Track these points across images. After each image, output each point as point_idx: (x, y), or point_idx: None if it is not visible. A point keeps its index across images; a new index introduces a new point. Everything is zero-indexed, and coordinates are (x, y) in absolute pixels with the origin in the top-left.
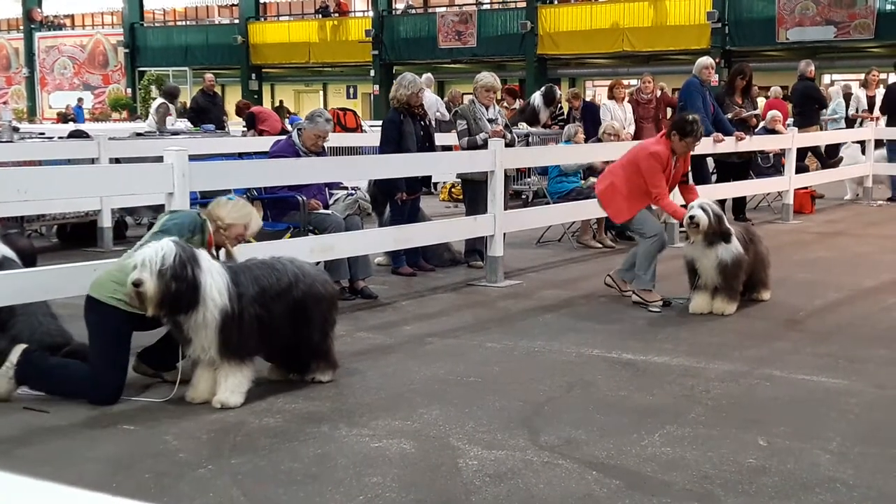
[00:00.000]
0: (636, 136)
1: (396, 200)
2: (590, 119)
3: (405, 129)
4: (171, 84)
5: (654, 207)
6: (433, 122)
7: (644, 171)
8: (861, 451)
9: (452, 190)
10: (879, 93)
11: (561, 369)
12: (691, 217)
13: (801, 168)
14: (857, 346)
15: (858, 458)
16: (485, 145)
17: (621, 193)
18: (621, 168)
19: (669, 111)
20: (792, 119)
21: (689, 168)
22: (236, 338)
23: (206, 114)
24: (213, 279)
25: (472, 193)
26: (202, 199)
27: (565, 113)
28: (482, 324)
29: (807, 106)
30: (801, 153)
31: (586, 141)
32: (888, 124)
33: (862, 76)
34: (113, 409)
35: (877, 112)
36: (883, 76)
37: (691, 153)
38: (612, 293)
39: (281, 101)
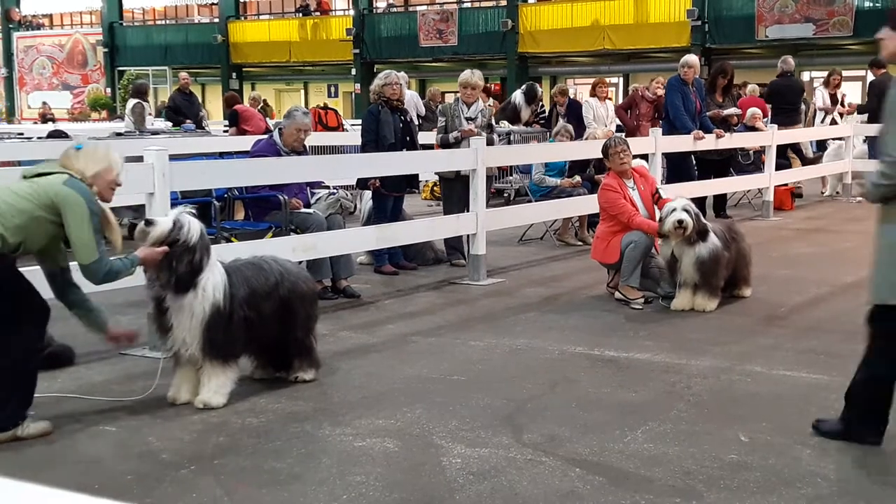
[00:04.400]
0: (632, 134)
1: (371, 189)
2: (574, 116)
3: (382, 118)
4: (139, 82)
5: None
6: (415, 120)
7: (606, 206)
8: (841, 446)
9: (434, 188)
10: (851, 90)
11: (544, 367)
12: (679, 221)
13: (782, 165)
14: (837, 342)
15: (839, 453)
16: (456, 143)
17: (606, 240)
18: (600, 222)
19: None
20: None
21: (657, 186)
22: (222, 338)
23: (183, 113)
24: (213, 275)
25: (447, 191)
26: (182, 199)
27: (548, 110)
28: (465, 322)
29: (787, 103)
30: (781, 150)
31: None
32: (870, 121)
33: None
34: (95, 410)
35: (841, 107)
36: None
37: (693, 150)
38: (594, 292)
39: (265, 101)
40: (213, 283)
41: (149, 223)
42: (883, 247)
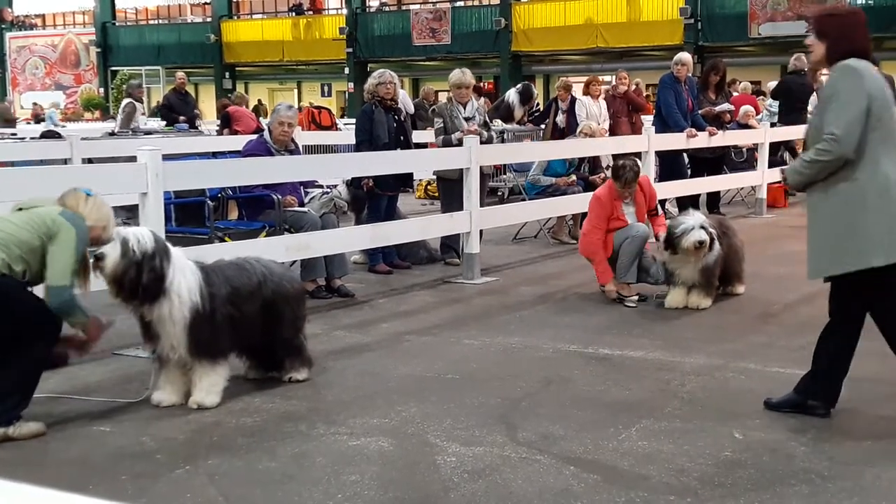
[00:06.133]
0: (612, 132)
1: (364, 190)
2: (574, 114)
3: (376, 118)
4: (132, 83)
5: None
6: (408, 119)
7: (591, 214)
8: (836, 443)
9: (428, 187)
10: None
11: (538, 365)
12: (700, 242)
13: (775, 162)
14: None
15: (833, 450)
16: (459, 144)
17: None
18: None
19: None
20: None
21: (657, 202)
22: (208, 337)
23: (178, 112)
24: (185, 277)
25: (447, 191)
26: (176, 198)
27: (551, 106)
28: (459, 321)
29: (797, 101)
30: (775, 148)
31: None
32: None
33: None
34: (89, 410)
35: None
36: None
37: (686, 148)
38: (588, 290)
39: (259, 101)
40: (186, 286)
41: (99, 258)
42: (814, 220)
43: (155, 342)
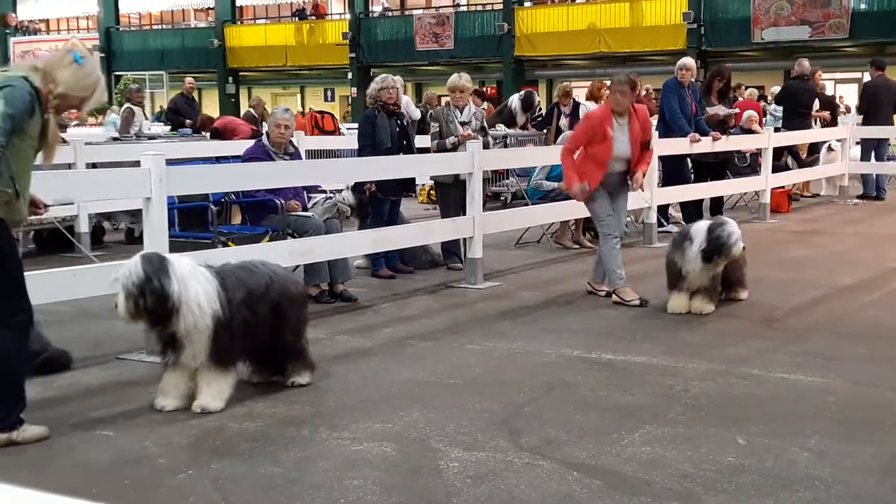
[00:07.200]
0: None
1: (367, 194)
2: (577, 118)
3: (379, 122)
4: (132, 87)
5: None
6: (412, 123)
7: (574, 135)
8: (839, 448)
9: (431, 192)
10: (847, 92)
11: (541, 370)
12: (743, 247)
13: (778, 168)
14: (834, 344)
15: (837, 456)
16: (454, 149)
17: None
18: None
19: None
20: (778, 120)
21: (650, 136)
22: (227, 344)
23: (184, 116)
24: (200, 285)
25: (442, 195)
26: (179, 203)
27: (553, 111)
28: (462, 325)
29: (800, 106)
30: (778, 153)
31: None
32: (864, 123)
33: (839, 75)
34: (92, 415)
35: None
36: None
37: (690, 153)
38: (593, 296)
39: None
40: (204, 294)
41: (116, 306)
42: None
43: (178, 352)
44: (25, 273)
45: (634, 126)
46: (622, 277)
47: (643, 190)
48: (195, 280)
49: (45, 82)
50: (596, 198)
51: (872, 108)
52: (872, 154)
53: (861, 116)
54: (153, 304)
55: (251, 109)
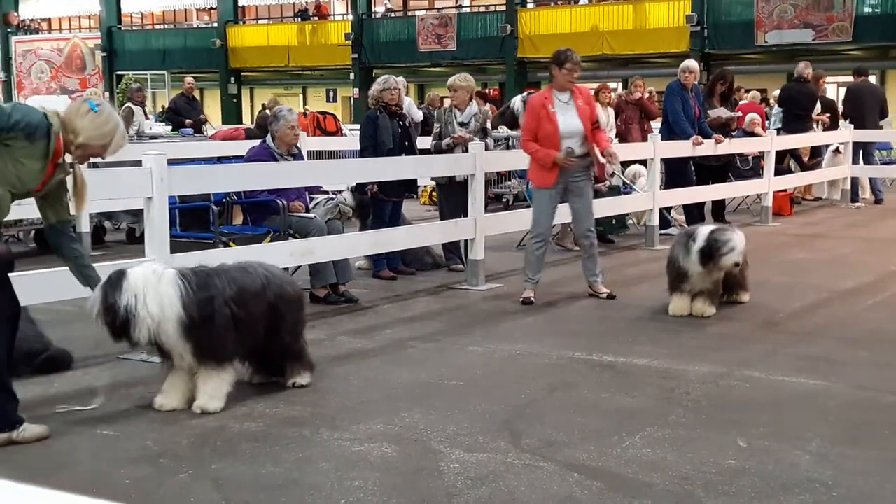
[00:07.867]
0: (623, 138)
1: (369, 195)
2: None
3: (381, 123)
4: (132, 86)
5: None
6: (414, 124)
7: (524, 128)
8: (840, 451)
9: (433, 193)
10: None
11: (542, 372)
12: (737, 263)
13: (781, 171)
14: (836, 348)
15: (838, 459)
16: (449, 150)
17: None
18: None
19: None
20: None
21: (598, 116)
22: (208, 341)
23: (184, 116)
24: (157, 292)
25: (442, 197)
26: (180, 203)
27: None
28: (463, 327)
29: (800, 109)
30: (780, 156)
31: None
32: (853, 126)
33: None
34: (92, 414)
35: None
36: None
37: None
38: (594, 298)
39: (263, 105)
40: (160, 300)
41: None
42: None
43: (168, 355)
44: (26, 273)
45: (578, 101)
46: (530, 280)
47: (617, 158)
48: (152, 288)
49: (66, 132)
50: (539, 197)
51: (857, 112)
52: (860, 158)
53: (847, 121)
54: (106, 320)
55: (267, 111)
